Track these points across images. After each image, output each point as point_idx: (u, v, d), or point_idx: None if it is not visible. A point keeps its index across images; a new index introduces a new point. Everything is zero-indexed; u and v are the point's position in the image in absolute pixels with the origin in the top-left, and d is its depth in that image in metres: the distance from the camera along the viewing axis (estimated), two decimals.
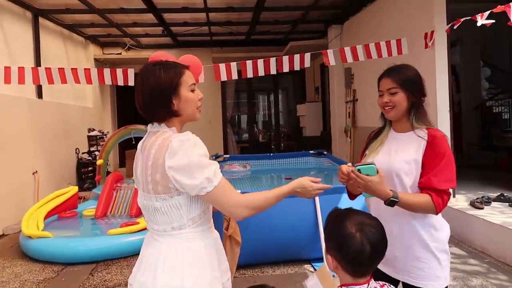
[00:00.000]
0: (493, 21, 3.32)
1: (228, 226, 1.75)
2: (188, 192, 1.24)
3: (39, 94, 6.15)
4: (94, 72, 4.60)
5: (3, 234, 4.88)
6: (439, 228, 1.55)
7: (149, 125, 1.36)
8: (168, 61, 1.36)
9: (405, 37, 4.78)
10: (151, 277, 1.25)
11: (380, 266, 1.49)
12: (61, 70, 4.52)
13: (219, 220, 1.87)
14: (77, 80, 4.56)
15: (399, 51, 4.76)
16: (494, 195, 4.36)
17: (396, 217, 1.52)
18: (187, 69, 1.35)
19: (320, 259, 3.42)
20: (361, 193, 1.55)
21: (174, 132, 1.31)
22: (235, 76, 4.74)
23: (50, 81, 4.46)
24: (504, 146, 6.34)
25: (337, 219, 1.15)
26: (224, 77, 4.75)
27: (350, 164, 1.48)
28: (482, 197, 4.23)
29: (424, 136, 1.53)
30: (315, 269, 3.42)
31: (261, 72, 4.72)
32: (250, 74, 4.74)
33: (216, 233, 1.42)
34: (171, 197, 1.25)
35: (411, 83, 1.56)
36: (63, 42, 7.27)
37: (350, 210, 1.20)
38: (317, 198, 3.49)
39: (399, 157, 1.54)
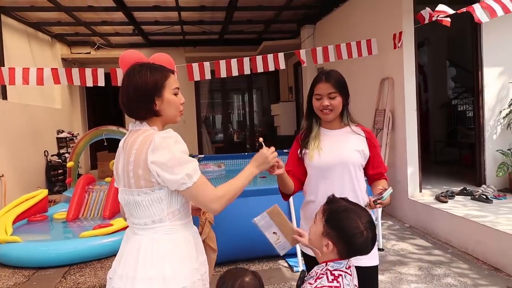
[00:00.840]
0: (449, 20, 3.51)
1: (202, 231, 1.78)
2: (169, 186, 1.30)
3: (3, 95, 5.91)
4: (62, 72, 4.46)
5: None
6: None
7: (131, 124, 1.42)
8: (155, 64, 1.42)
9: (375, 37, 4.94)
10: (132, 269, 1.29)
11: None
12: (26, 70, 4.36)
13: (195, 223, 1.88)
14: (40, 82, 4.37)
15: (369, 51, 4.93)
16: (457, 189, 4.60)
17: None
18: (172, 74, 1.42)
19: (294, 255, 3.50)
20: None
21: (156, 130, 1.36)
22: (208, 76, 4.75)
23: (12, 81, 4.28)
24: (467, 143, 6.68)
25: (345, 213, 1.27)
26: (197, 77, 4.75)
27: (371, 198, 1.58)
28: (447, 191, 4.45)
29: (360, 132, 1.78)
30: (289, 265, 3.50)
31: (235, 72, 4.75)
32: (223, 74, 4.76)
33: (194, 228, 1.48)
34: (152, 191, 1.30)
35: (343, 87, 1.76)
36: (27, 41, 7.01)
37: (355, 205, 1.32)
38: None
39: (348, 149, 1.73)
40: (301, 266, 3.39)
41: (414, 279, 3.10)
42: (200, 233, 1.81)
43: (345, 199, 1.36)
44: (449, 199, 4.27)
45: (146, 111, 1.35)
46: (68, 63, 8.52)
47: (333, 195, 1.38)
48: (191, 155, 6.12)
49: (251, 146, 10.50)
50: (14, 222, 4.43)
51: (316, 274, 1.27)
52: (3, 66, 5.65)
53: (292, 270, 3.40)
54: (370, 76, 5.49)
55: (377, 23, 5.20)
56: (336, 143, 1.75)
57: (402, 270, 3.29)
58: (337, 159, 1.71)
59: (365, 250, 1.28)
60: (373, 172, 1.78)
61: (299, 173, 1.82)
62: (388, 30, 4.83)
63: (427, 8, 3.91)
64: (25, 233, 4.26)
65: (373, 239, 1.28)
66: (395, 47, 4.70)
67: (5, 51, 6.00)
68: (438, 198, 4.29)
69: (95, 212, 4.96)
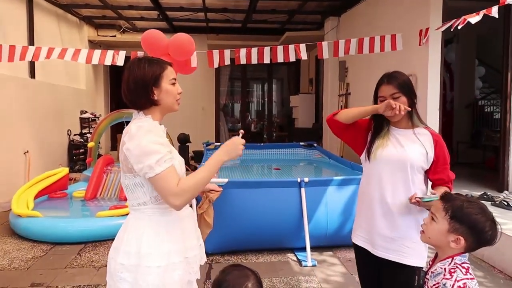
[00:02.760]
0: (479, 19, 3.35)
1: (201, 205, 1.83)
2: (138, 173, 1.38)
3: (32, 74, 6.10)
4: (84, 52, 4.53)
5: None
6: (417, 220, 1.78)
7: (134, 112, 1.50)
8: (153, 57, 1.51)
9: (401, 32, 4.80)
10: (119, 243, 1.43)
11: (367, 247, 1.86)
12: (51, 49, 4.46)
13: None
14: (61, 57, 4.42)
15: (393, 47, 4.79)
16: (478, 193, 4.47)
17: (404, 210, 1.77)
18: (169, 66, 1.51)
19: (303, 249, 3.51)
20: None
21: (150, 119, 1.44)
22: (228, 62, 4.73)
23: (36, 57, 4.38)
24: (492, 146, 6.46)
25: (471, 208, 1.32)
26: (217, 64, 4.73)
27: (416, 195, 1.68)
28: (466, 195, 4.30)
29: (427, 134, 1.80)
30: (298, 259, 3.51)
31: (255, 61, 4.70)
32: (243, 61, 4.72)
33: (185, 213, 1.51)
34: (134, 176, 1.40)
35: (408, 87, 1.79)
36: (57, 22, 7.18)
37: (480, 204, 1.35)
38: (303, 189, 3.56)
39: (412, 150, 1.75)
40: (309, 261, 3.40)
41: None
42: (199, 207, 1.85)
43: (460, 195, 1.40)
44: None
45: (146, 100, 1.43)
46: (94, 45, 8.69)
47: (445, 192, 1.43)
48: (208, 142, 6.17)
49: (268, 136, 10.50)
50: (36, 197, 4.62)
51: (445, 270, 1.33)
52: (33, 45, 5.81)
53: (301, 264, 3.41)
54: None
55: (403, 18, 5.05)
56: (402, 142, 1.78)
57: None
58: (398, 157, 1.75)
59: (491, 241, 1.32)
60: (434, 177, 1.78)
61: (354, 132, 1.91)
62: (415, 25, 4.68)
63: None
64: (45, 208, 4.43)
65: (497, 231, 1.33)
66: (420, 44, 4.56)
67: (35, 31, 6.16)
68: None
69: (112, 192, 5.10)
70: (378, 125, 1.85)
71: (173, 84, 1.49)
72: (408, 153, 1.75)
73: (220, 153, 1.43)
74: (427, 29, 4.45)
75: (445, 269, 1.33)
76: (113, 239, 1.48)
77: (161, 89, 1.45)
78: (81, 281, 3.08)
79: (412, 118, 1.81)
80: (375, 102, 1.85)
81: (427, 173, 1.79)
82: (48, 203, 4.81)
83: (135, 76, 1.42)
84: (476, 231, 1.30)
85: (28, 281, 3.07)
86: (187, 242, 1.47)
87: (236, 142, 1.45)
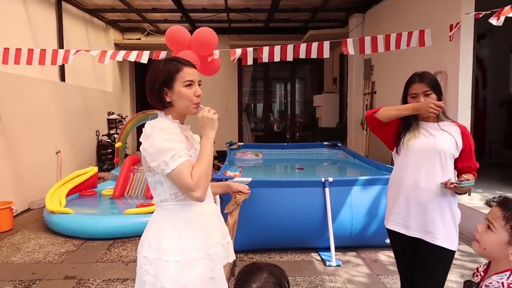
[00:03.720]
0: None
1: (229, 205, 1.85)
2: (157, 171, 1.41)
3: (62, 77, 6.34)
4: (109, 53, 4.63)
5: (29, 209, 5.14)
6: (457, 207, 1.98)
7: (158, 112, 1.54)
8: (173, 58, 1.51)
9: (429, 27, 4.65)
10: (144, 237, 1.49)
11: (401, 230, 1.98)
12: (78, 51, 4.59)
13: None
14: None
15: (422, 43, 4.64)
16: (511, 195, 4.30)
17: (437, 195, 1.91)
18: (188, 67, 1.47)
19: (327, 249, 3.48)
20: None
21: (169, 119, 1.47)
22: (250, 60, 4.71)
23: (66, 60, 4.52)
24: None
25: None
26: (251, 61, 4.67)
27: (451, 180, 1.83)
28: (499, 196, 4.17)
29: (453, 126, 1.96)
30: (322, 259, 3.48)
31: (277, 58, 4.67)
32: (266, 60, 4.69)
33: (208, 209, 1.51)
34: (154, 174, 1.44)
35: (438, 85, 1.97)
36: (84, 26, 7.43)
37: None
38: (327, 189, 3.53)
39: (442, 138, 1.92)
40: (334, 261, 3.36)
41: (454, 286, 2.97)
42: (228, 206, 1.86)
43: None
44: None
45: (159, 101, 1.46)
46: (120, 48, 8.93)
47: (504, 197, 1.30)
48: (231, 142, 6.21)
49: (291, 136, 10.45)
50: (68, 195, 4.80)
51: (503, 285, 1.21)
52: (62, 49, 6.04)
53: (325, 264, 3.38)
54: (423, 69, 5.20)
55: (432, 13, 4.90)
56: (432, 133, 1.95)
57: None
58: (431, 145, 1.91)
59: None
60: (462, 165, 1.95)
61: (389, 129, 2.05)
62: (444, 20, 4.53)
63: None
64: (76, 206, 4.61)
65: None
66: (451, 39, 4.41)
67: (64, 35, 6.40)
68: (488, 203, 4.04)
69: (139, 191, 5.23)
70: (407, 120, 1.99)
71: (188, 86, 1.45)
72: (439, 141, 1.90)
73: (205, 136, 1.43)
74: (457, 24, 4.30)
75: (502, 283, 1.21)
76: (140, 236, 1.53)
77: (173, 91, 1.44)
78: (110, 275, 3.18)
79: (439, 113, 1.94)
80: (405, 99, 2.01)
81: (455, 162, 1.95)
82: (79, 201, 5.00)
83: (150, 77, 1.46)
84: None
85: (62, 274, 3.21)
86: (209, 239, 1.46)
87: (207, 115, 1.43)
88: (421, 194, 1.91)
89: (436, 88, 1.93)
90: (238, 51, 4.64)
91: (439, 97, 1.94)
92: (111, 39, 8.66)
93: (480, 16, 3.79)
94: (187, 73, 1.45)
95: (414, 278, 2.00)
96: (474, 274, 1.38)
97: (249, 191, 1.80)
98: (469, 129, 4.24)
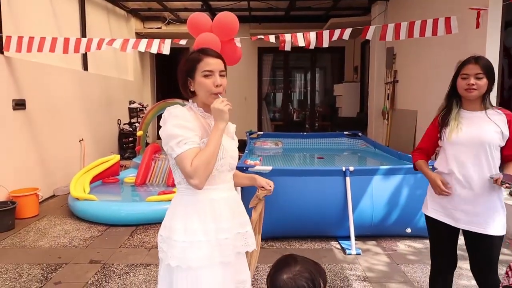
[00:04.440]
0: None
1: (252, 199, 1.85)
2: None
3: (85, 66, 6.47)
4: (131, 42, 4.65)
5: (54, 195, 5.32)
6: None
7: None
8: (203, 48, 1.54)
9: (455, 14, 4.50)
10: (164, 218, 1.59)
11: (448, 221, 2.00)
12: (101, 40, 4.64)
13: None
14: (110, 43, 4.54)
15: (448, 31, 4.49)
16: None
17: (486, 186, 1.92)
18: (209, 57, 1.49)
19: (347, 237, 3.47)
20: None
21: (195, 106, 1.55)
22: (272, 39, 4.63)
23: (88, 48, 4.58)
24: None
25: None
26: (289, 47, 4.60)
27: (502, 178, 1.84)
28: None
29: (500, 114, 1.93)
30: (342, 247, 3.48)
31: (301, 43, 4.57)
32: (288, 47, 4.62)
33: (219, 195, 1.52)
34: (171, 158, 1.49)
35: (492, 72, 1.92)
36: (106, 15, 7.53)
37: None
38: (348, 178, 3.50)
39: (488, 130, 1.89)
40: (353, 249, 3.35)
41: None
42: (254, 208, 1.86)
43: None
44: None
45: (185, 91, 1.55)
46: (141, 37, 9.00)
47: None
48: (250, 131, 6.21)
49: (311, 126, 10.38)
50: (91, 182, 4.94)
51: None
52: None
53: (344, 252, 3.38)
54: (447, 58, 5.05)
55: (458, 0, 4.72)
56: (476, 123, 1.93)
57: (464, 265, 3.10)
58: (476, 138, 1.90)
59: None
60: (507, 152, 1.93)
61: (431, 150, 2.15)
62: (471, 6, 4.36)
63: None
64: (100, 193, 4.74)
65: None
66: (477, 26, 4.25)
67: (87, 25, 6.51)
68: (511, 194, 3.92)
69: (160, 179, 5.33)
70: (449, 107, 2.01)
71: (207, 76, 1.47)
72: (484, 133, 1.89)
73: (215, 127, 1.44)
74: (485, 10, 4.13)
75: None
76: (161, 222, 1.57)
77: (195, 81, 1.50)
78: (134, 260, 3.27)
79: (485, 101, 1.94)
80: (455, 79, 1.98)
81: (501, 149, 1.94)
82: (102, 188, 5.13)
83: (179, 67, 1.54)
84: None
85: (87, 258, 3.32)
86: (218, 224, 1.49)
87: (218, 107, 1.43)
88: (469, 187, 1.92)
89: (489, 73, 1.89)
90: (288, 37, 4.53)
91: (491, 83, 1.91)
92: (132, 28, 8.76)
93: (510, 1, 3.62)
94: (207, 63, 1.48)
95: (447, 265, 2.10)
96: (506, 274, 1.31)
97: (271, 188, 1.77)
98: None
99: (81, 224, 4.21)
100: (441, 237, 2.09)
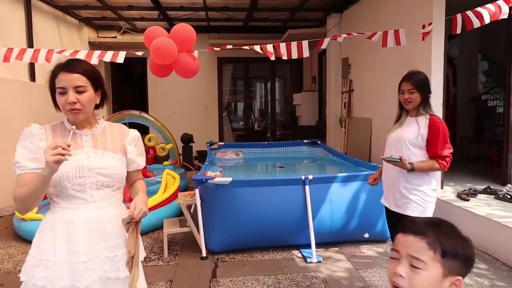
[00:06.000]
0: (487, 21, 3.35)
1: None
2: None
3: (32, 77, 6.11)
4: (83, 53, 4.48)
5: None
6: (419, 184, 2.40)
7: None
8: (66, 61, 1.49)
9: (404, 27, 4.76)
10: None
11: (386, 204, 2.57)
12: (50, 51, 4.43)
13: None
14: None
15: (397, 42, 4.74)
16: (481, 187, 4.45)
17: (404, 175, 2.41)
18: (63, 72, 1.44)
19: (308, 245, 3.50)
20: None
21: (64, 121, 1.56)
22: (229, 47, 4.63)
23: (35, 59, 4.35)
24: (495, 140, 6.42)
25: (459, 237, 0.95)
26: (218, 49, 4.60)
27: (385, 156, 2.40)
28: (469, 189, 4.31)
29: (426, 119, 2.36)
30: (303, 256, 3.51)
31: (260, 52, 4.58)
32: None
33: (77, 216, 1.45)
34: None
35: (422, 86, 2.37)
36: (56, 24, 7.18)
37: (453, 224, 0.99)
38: (307, 187, 3.55)
39: (409, 131, 2.40)
40: (314, 257, 3.39)
41: None
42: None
43: (419, 218, 1.02)
44: (471, 197, 4.14)
45: (56, 106, 1.51)
46: (94, 46, 8.70)
47: (406, 219, 1.00)
48: (211, 142, 6.12)
49: (272, 135, 10.48)
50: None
51: None
52: (32, 47, 5.82)
53: (306, 261, 3.40)
54: (397, 68, 5.33)
55: (406, 13, 5.02)
56: (406, 126, 2.43)
57: None
58: (398, 136, 2.44)
59: (472, 268, 0.98)
60: (428, 151, 2.36)
61: None
62: (417, 20, 4.65)
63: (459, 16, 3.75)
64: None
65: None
66: (423, 38, 4.53)
67: (34, 34, 6.17)
68: (460, 196, 4.17)
69: None
70: (400, 113, 2.51)
71: (61, 93, 1.44)
72: (405, 133, 2.41)
73: (43, 168, 1.35)
74: (430, 24, 4.41)
75: None
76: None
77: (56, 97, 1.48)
78: None
79: (419, 109, 2.40)
80: (399, 93, 2.46)
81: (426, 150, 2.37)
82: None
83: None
84: (470, 262, 0.93)
85: None
86: (73, 246, 1.43)
87: (45, 155, 1.31)
88: (394, 175, 2.45)
89: (419, 87, 2.34)
90: (283, 45, 4.48)
91: (424, 95, 2.36)
92: (85, 37, 8.42)
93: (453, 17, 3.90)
94: (59, 80, 1.44)
95: None
96: None
97: (134, 211, 1.44)
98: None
99: (27, 246, 3.89)
100: (388, 217, 2.64)
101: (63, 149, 1.29)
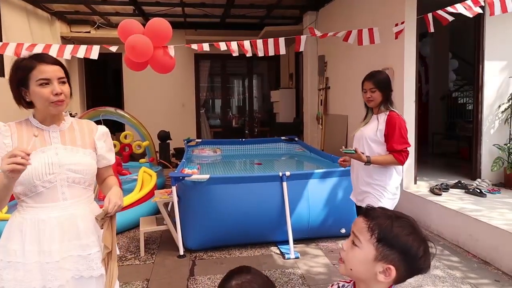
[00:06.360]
0: (453, 16, 3.46)
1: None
2: None
3: (1, 72, 5.86)
4: (55, 47, 4.33)
5: None
6: (381, 180, 2.50)
7: None
8: (37, 54, 1.44)
9: (378, 26, 4.86)
10: None
11: (354, 199, 2.70)
12: (19, 45, 4.25)
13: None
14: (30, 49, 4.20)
15: (372, 41, 4.83)
16: (452, 182, 4.62)
17: (365, 169, 2.54)
18: (43, 64, 1.40)
19: (286, 242, 3.53)
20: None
21: (30, 117, 1.49)
22: (206, 48, 4.58)
23: (2, 50, 4.18)
24: (465, 136, 6.67)
25: (404, 227, 0.99)
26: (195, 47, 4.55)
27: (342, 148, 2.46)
28: (441, 184, 4.47)
29: (385, 116, 2.48)
30: (281, 252, 3.54)
31: (236, 52, 4.57)
32: (223, 47, 4.54)
33: (47, 215, 1.42)
34: None
35: (383, 85, 2.49)
36: (26, 18, 6.90)
37: (410, 221, 1.01)
38: (284, 183, 3.58)
39: (369, 128, 2.54)
40: (292, 253, 3.43)
41: None
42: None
43: (386, 209, 1.07)
44: (443, 191, 4.29)
45: (20, 102, 1.45)
46: (67, 41, 8.41)
47: (370, 207, 1.06)
48: (188, 139, 6.05)
49: (250, 132, 10.48)
50: (10, 200, 4.43)
51: None
52: (0, 41, 5.57)
53: (284, 257, 3.43)
54: (371, 65, 5.42)
55: (379, 12, 5.12)
56: (369, 123, 2.56)
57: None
58: (361, 133, 2.58)
59: (425, 270, 1.00)
60: (387, 147, 2.46)
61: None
62: (390, 19, 4.76)
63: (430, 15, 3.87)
64: None
65: (430, 255, 1.00)
66: (396, 37, 4.64)
67: (3, 27, 5.91)
68: (432, 191, 4.31)
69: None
70: (367, 112, 2.63)
71: (43, 85, 1.39)
72: (365, 130, 2.55)
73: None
74: (402, 23, 4.52)
75: None
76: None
77: (30, 91, 1.41)
78: None
79: (380, 107, 2.52)
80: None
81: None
82: None
83: (9, 77, 1.44)
84: (410, 258, 0.97)
85: None
86: (43, 246, 1.39)
87: (3, 159, 1.25)
88: (357, 170, 2.59)
89: (380, 86, 2.45)
90: (259, 42, 4.43)
91: (385, 93, 2.47)
92: (57, 32, 8.13)
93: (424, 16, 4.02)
94: (41, 71, 1.39)
95: None
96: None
97: (108, 205, 1.42)
98: (413, 121, 4.55)
99: None
100: (357, 213, 2.74)
101: (22, 158, 1.19)
